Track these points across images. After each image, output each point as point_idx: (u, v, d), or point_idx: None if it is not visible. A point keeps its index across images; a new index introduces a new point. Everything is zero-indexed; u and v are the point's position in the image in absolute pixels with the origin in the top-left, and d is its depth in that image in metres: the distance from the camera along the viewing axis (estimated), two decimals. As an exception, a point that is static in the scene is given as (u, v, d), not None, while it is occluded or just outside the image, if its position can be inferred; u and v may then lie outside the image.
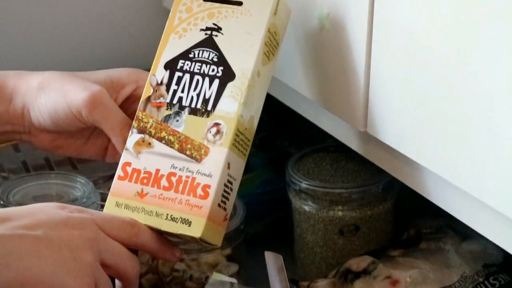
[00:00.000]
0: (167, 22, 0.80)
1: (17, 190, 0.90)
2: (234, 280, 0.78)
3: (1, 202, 0.88)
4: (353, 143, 0.86)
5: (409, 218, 0.97)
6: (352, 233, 0.94)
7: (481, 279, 0.86)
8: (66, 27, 1.25)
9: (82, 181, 0.92)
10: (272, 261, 0.78)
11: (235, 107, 0.76)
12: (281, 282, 0.76)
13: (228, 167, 0.75)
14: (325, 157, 1.01)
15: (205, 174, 0.75)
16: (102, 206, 0.82)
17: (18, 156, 1.10)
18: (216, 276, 0.78)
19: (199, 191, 0.74)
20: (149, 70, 0.81)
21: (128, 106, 0.83)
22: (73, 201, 0.89)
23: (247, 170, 0.79)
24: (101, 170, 1.02)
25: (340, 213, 0.94)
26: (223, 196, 0.75)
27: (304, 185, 0.95)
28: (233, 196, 0.77)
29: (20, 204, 0.87)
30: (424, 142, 0.72)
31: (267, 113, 0.79)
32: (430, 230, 0.93)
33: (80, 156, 0.86)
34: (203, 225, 0.73)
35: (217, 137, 0.75)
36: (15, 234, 0.65)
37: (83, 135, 0.85)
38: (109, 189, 0.77)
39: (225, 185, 0.75)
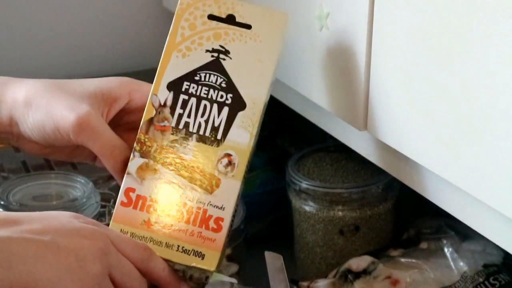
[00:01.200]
0: (168, 37, 0.76)
1: (17, 190, 0.90)
2: (234, 280, 0.78)
3: (1, 202, 0.88)
4: (353, 143, 0.86)
5: (409, 218, 0.97)
6: (352, 233, 0.94)
7: (481, 279, 0.86)
8: (66, 26, 1.25)
9: (82, 181, 0.92)
10: (272, 261, 0.77)
11: (247, 138, 0.74)
12: (281, 282, 0.76)
13: (238, 197, 0.74)
14: (325, 157, 1.01)
15: (217, 207, 0.73)
16: (103, 206, 0.81)
17: (18, 156, 1.09)
18: (216, 276, 0.77)
19: (212, 223, 0.73)
20: (148, 70, 0.80)
21: (120, 118, 0.80)
22: (73, 201, 0.89)
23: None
24: (101, 170, 1.01)
25: (340, 213, 0.94)
26: (230, 225, 0.74)
27: (304, 185, 0.95)
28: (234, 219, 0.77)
29: (20, 204, 0.87)
30: (424, 142, 0.72)
31: (268, 113, 0.79)
32: (430, 230, 0.93)
33: (70, 160, 0.85)
34: (218, 258, 0.72)
35: (229, 168, 0.73)
36: (22, 237, 0.64)
37: (71, 145, 0.82)
38: (109, 189, 0.77)
39: (233, 214, 0.74)
